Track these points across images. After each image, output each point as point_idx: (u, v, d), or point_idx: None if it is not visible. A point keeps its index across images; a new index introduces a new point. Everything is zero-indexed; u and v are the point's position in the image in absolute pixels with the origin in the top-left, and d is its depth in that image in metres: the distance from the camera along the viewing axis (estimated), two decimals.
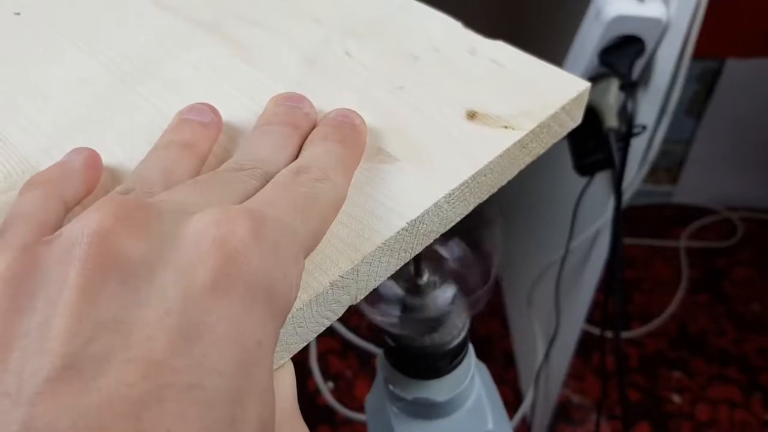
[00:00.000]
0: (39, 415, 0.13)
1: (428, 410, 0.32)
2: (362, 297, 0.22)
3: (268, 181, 0.21)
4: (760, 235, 1.33)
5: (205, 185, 0.20)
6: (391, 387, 0.32)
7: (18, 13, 0.33)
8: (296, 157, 0.23)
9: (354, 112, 0.25)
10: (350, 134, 0.24)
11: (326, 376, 1.10)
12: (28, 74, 0.29)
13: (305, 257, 0.20)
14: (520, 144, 0.25)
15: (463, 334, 0.31)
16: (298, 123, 0.24)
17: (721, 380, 1.11)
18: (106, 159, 0.24)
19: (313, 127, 0.24)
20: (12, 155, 0.26)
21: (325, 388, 0.99)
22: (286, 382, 0.21)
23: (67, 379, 0.14)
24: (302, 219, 0.19)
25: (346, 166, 0.23)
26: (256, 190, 0.20)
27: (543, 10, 0.90)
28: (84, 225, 0.16)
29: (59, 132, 0.26)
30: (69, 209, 0.21)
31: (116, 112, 0.27)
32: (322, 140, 0.23)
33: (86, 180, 0.22)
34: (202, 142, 0.24)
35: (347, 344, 1.11)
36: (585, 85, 0.27)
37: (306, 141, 0.23)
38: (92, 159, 0.23)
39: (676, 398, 1.10)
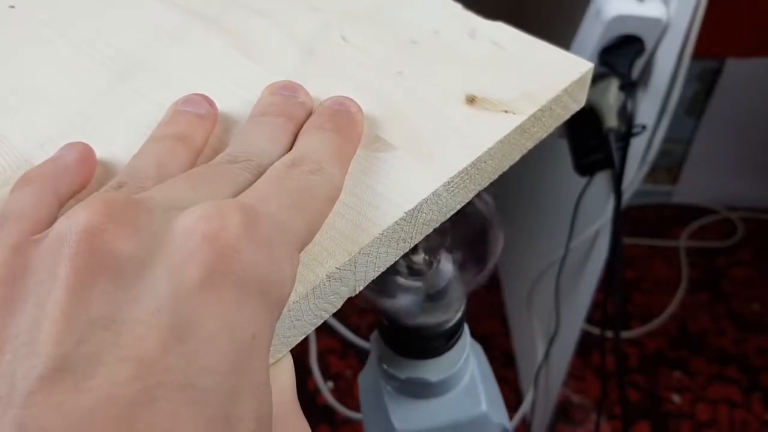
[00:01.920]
0: (32, 417, 0.13)
1: (422, 390, 0.32)
2: (361, 288, 0.22)
3: (262, 174, 0.21)
4: (760, 235, 1.33)
5: (198, 179, 0.20)
6: (384, 366, 0.32)
7: (12, 6, 0.33)
8: (291, 147, 0.23)
9: (350, 99, 0.24)
10: (346, 123, 0.23)
11: (326, 375, 1.10)
12: (22, 68, 0.29)
13: (300, 251, 0.19)
14: (521, 129, 0.24)
15: (459, 315, 0.31)
16: (293, 113, 0.24)
17: (721, 380, 1.11)
18: (102, 154, 0.24)
19: (309, 116, 0.24)
20: (6, 150, 0.25)
21: (325, 388, 0.99)
22: (284, 376, 0.20)
23: (59, 380, 0.14)
24: (296, 213, 0.19)
25: (342, 156, 0.22)
26: (250, 184, 0.20)
27: (543, 10, 0.90)
28: (72, 223, 0.16)
29: (54, 127, 0.26)
30: (63, 204, 0.21)
31: (112, 106, 0.27)
32: (317, 130, 0.23)
33: (80, 175, 0.22)
34: (198, 134, 0.23)
35: (347, 344, 1.11)
36: (587, 65, 0.26)
37: (301, 130, 0.23)
38: (85, 153, 0.23)
39: (676, 398, 1.10)
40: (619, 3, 0.55)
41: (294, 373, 0.21)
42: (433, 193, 0.22)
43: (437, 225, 0.23)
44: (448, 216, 0.24)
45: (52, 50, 0.30)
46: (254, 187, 0.20)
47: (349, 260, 0.20)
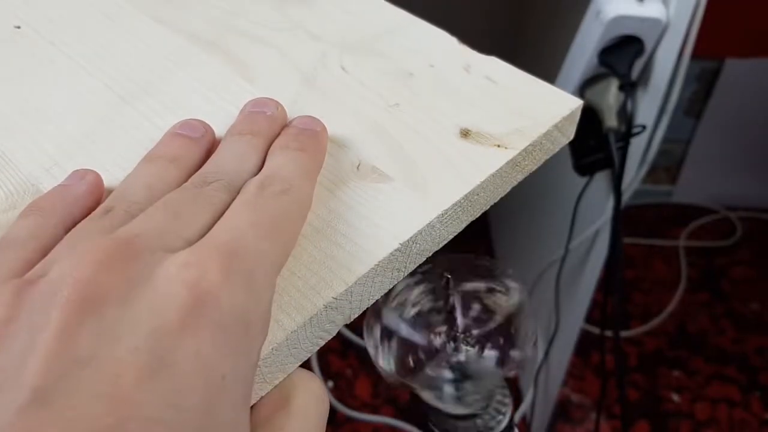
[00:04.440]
0: None
1: None
2: (356, 316, 0.22)
3: (234, 191, 0.22)
4: (759, 235, 1.33)
5: (175, 206, 0.21)
6: None
7: (18, 27, 0.33)
8: (263, 160, 0.24)
9: (315, 119, 0.25)
10: (310, 141, 0.24)
11: (326, 375, 1.10)
12: (28, 92, 0.29)
13: (278, 275, 0.20)
14: (513, 163, 0.25)
15: (505, 421, 0.31)
16: (261, 129, 0.25)
17: (720, 379, 1.12)
18: (105, 177, 0.24)
19: (281, 128, 0.25)
20: (13, 174, 0.26)
21: (325, 387, 0.99)
22: (309, 410, 0.21)
23: (37, 410, 0.15)
24: (272, 239, 0.20)
25: (308, 172, 0.23)
26: (224, 203, 0.21)
27: (543, 11, 0.90)
28: (66, 273, 0.17)
29: (60, 151, 0.26)
30: (68, 231, 0.22)
31: (116, 131, 0.27)
32: (283, 150, 0.24)
33: (89, 204, 0.23)
34: (189, 157, 0.24)
35: (347, 343, 1.11)
36: (577, 102, 0.27)
37: (269, 151, 0.24)
38: (95, 184, 0.23)
39: (675, 397, 1.10)
40: (618, 3, 0.55)
41: (320, 407, 0.21)
42: (428, 225, 0.23)
43: (430, 254, 0.24)
44: (441, 245, 0.24)
45: (57, 72, 0.30)
46: (228, 218, 0.20)
47: (346, 290, 0.21)
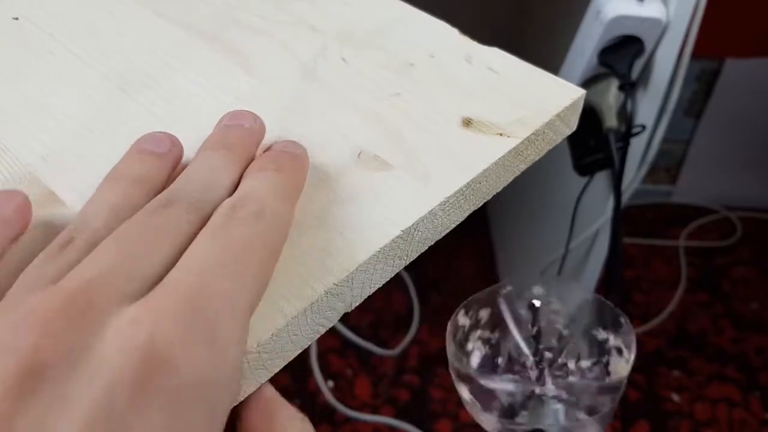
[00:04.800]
0: None
1: None
2: (357, 304, 0.22)
3: (203, 211, 0.20)
4: (759, 235, 1.33)
5: (129, 243, 0.19)
6: None
7: (16, 18, 0.33)
8: (238, 176, 0.22)
9: (295, 143, 0.24)
10: (288, 162, 0.23)
11: (326, 374, 1.10)
12: (26, 83, 0.29)
13: (251, 314, 0.19)
14: (515, 151, 0.25)
15: None
16: (237, 142, 0.23)
17: (720, 379, 1.12)
18: (104, 168, 0.24)
19: (259, 143, 0.24)
20: (10, 162, 0.26)
21: (325, 387, 0.99)
22: None
23: None
24: (242, 276, 0.18)
25: (286, 192, 0.22)
26: (191, 226, 0.19)
27: (543, 10, 0.90)
28: (8, 340, 0.16)
29: (57, 140, 0.26)
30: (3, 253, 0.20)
31: (115, 122, 0.27)
32: (258, 171, 0.22)
33: (18, 225, 0.21)
34: (154, 174, 0.22)
35: (347, 343, 1.11)
36: (579, 92, 0.27)
37: (244, 174, 0.23)
38: (23, 204, 0.22)
39: (675, 397, 1.10)
40: (618, 3, 0.55)
41: None
42: (430, 212, 0.23)
43: (432, 243, 0.24)
44: (443, 234, 0.24)
45: (55, 63, 0.30)
46: (193, 250, 0.19)
47: (347, 277, 0.21)
